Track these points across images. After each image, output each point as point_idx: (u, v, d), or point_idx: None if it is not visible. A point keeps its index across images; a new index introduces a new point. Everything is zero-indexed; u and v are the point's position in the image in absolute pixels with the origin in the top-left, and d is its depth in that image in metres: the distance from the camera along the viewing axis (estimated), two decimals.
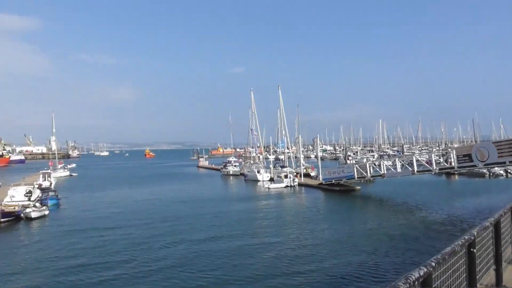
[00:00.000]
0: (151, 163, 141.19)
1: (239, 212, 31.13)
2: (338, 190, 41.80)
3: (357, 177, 40.09)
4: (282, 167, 60.05)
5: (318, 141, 64.33)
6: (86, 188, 53.86)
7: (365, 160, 61.21)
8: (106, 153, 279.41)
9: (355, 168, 40.51)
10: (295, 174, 51.97)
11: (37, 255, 19.66)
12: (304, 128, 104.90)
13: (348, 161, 66.33)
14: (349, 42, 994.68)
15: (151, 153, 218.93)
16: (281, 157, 75.49)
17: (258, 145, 73.11)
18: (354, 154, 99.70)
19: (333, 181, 43.36)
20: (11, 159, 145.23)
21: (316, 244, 20.04)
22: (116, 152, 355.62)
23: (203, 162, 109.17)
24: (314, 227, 24.87)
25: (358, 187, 42.23)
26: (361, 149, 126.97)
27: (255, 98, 67.58)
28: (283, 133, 60.57)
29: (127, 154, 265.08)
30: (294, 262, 16.98)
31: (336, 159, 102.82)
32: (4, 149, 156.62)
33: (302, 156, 61.82)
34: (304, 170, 56.27)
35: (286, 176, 49.88)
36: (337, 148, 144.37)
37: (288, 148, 64.53)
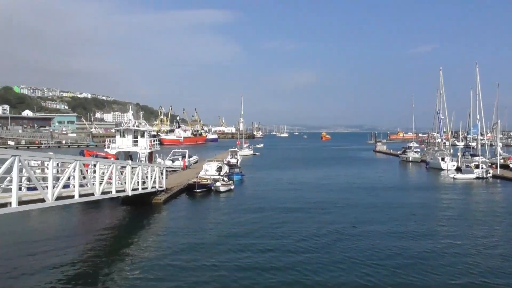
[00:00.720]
0: (326, 145, 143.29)
1: (417, 204, 28.31)
2: None
3: None
4: (473, 155, 52.78)
5: None
6: (267, 167, 57.99)
7: None
8: (285, 135, 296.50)
9: None
10: (489, 164, 45.01)
11: (220, 222, 21.87)
12: (504, 112, 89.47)
13: None
14: None
15: (327, 136, 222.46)
16: (473, 144, 66.49)
17: (444, 130, 65.85)
18: None
19: None
20: (207, 137, 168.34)
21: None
22: (295, 133, 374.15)
23: (381, 146, 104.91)
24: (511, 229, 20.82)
25: None
26: None
27: (445, 79, 60.78)
28: (477, 117, 52.82)
29: (305, 136, 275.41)
30: (482, 273, 14.18)
31: None
32: (203, 129, 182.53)
33: (499, 144, 53.01)
34: (502, 161, 48.26)
35: (477, 166, 43.64)
36: None
37: (482, 135, 56.16)
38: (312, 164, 64.17)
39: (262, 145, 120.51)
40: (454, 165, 52.01)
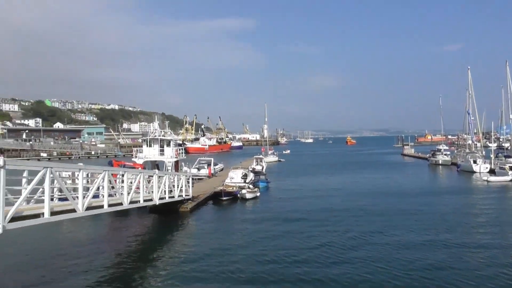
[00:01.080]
0: (352, 150, 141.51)
1: (448, 210, 27.27)
2: None
3: None
4: (507, 157, 50.94)
5: None
6: (292, 173, 57.63)
7: None
8: (310, 140, 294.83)
9: None
10: None
11: (246, 232, 21.72)
12: None
13: None
14: None
15: (352, 140, 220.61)
16: (506, 145, 64.27)
17: (475, 131, 63.95)
18: None
19: None
20: (232, 145, 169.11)
21: None
22: (320, 139, 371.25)
23: (408, 150, 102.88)
24: None
25: None
26: None
27: (473, 78, 59.17)
28: (510, 116, 51.01)
29: (330, 141, 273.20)
30: None
31: None
32: (227, 137, 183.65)
33: None
34: None
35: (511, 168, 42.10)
36: None
37: None
38: (337, 169, 63.40)
39: (289, 151, 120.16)
40: (487, 168, 50.31)
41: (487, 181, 41.97)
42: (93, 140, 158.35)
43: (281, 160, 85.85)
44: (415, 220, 23.83)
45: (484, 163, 51.33)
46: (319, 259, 16.31)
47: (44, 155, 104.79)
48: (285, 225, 23.17)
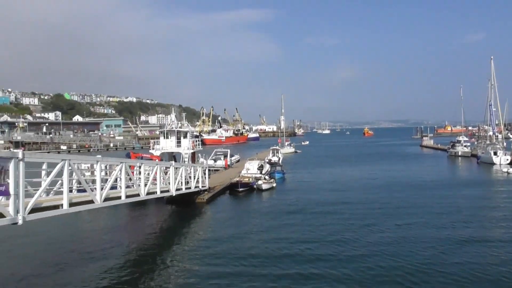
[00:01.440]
0: (369, 141, 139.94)
1: (468, 203, 26.61)
2: None
3: None
4: None
5: None
6: (308, 164, 57.40)
7: None
8: (327, 131, 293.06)
9: None
10: None
11: (262, 223, 21.72)
12: None
13: None
14: None
15: (369, 132, 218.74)
16: None
17: (496, 122, 62.45)
18: None
19: None
20: (248, 136, 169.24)
21: None
22: (337, 130, 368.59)
23: (427, 141, 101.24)
24: None
25: None
26: None
27: (497, 68, 57.50)
28: None
29: (348, 133, 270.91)
30: None
31: None
32: (244, 128, 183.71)
33: None
34: None
35: None
36: None
37: None
38: (354, 161, 62.79)
39: (307, 142, 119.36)
40: (507, 159, 49.24)
41: (508, 173, 41.08)
42: (111, 132, 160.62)
43: (298, 151, 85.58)
44: (432, 212, 23.42)
45: (505, 155, 50.24)
46: (332, 251, 16.26)
47: (64, 147, 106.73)
48: (300, 216, 23.16)
